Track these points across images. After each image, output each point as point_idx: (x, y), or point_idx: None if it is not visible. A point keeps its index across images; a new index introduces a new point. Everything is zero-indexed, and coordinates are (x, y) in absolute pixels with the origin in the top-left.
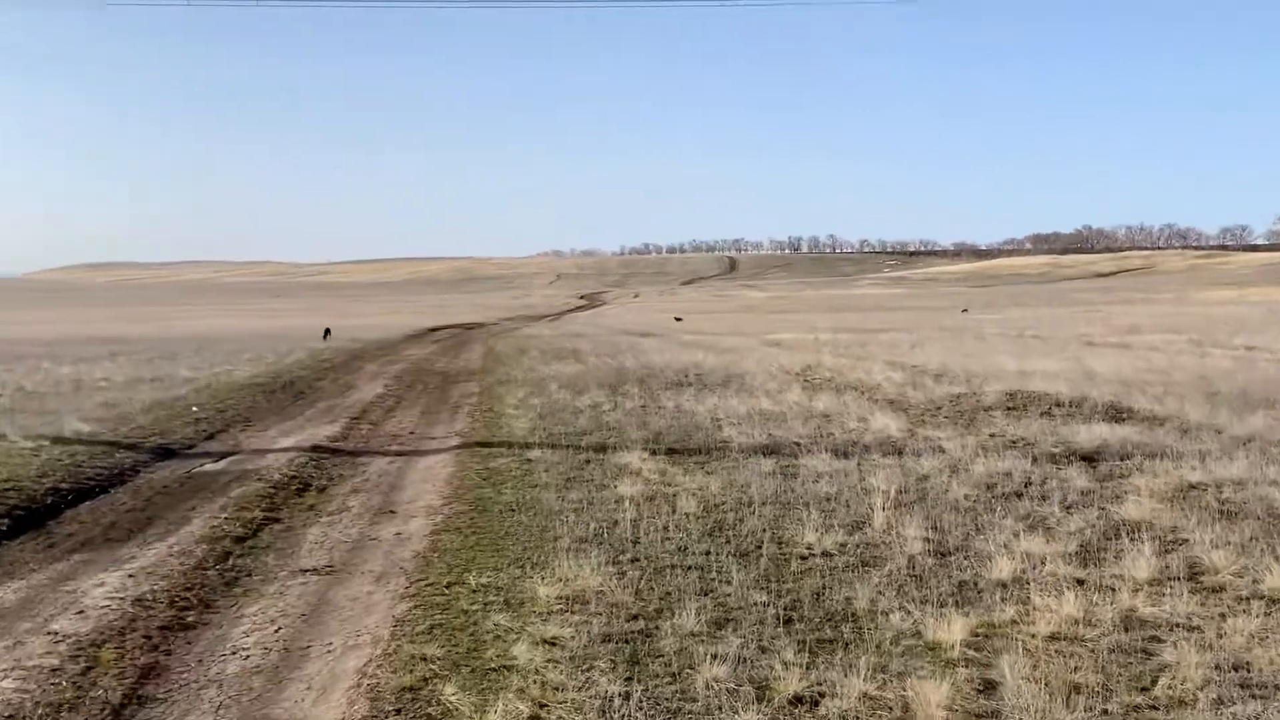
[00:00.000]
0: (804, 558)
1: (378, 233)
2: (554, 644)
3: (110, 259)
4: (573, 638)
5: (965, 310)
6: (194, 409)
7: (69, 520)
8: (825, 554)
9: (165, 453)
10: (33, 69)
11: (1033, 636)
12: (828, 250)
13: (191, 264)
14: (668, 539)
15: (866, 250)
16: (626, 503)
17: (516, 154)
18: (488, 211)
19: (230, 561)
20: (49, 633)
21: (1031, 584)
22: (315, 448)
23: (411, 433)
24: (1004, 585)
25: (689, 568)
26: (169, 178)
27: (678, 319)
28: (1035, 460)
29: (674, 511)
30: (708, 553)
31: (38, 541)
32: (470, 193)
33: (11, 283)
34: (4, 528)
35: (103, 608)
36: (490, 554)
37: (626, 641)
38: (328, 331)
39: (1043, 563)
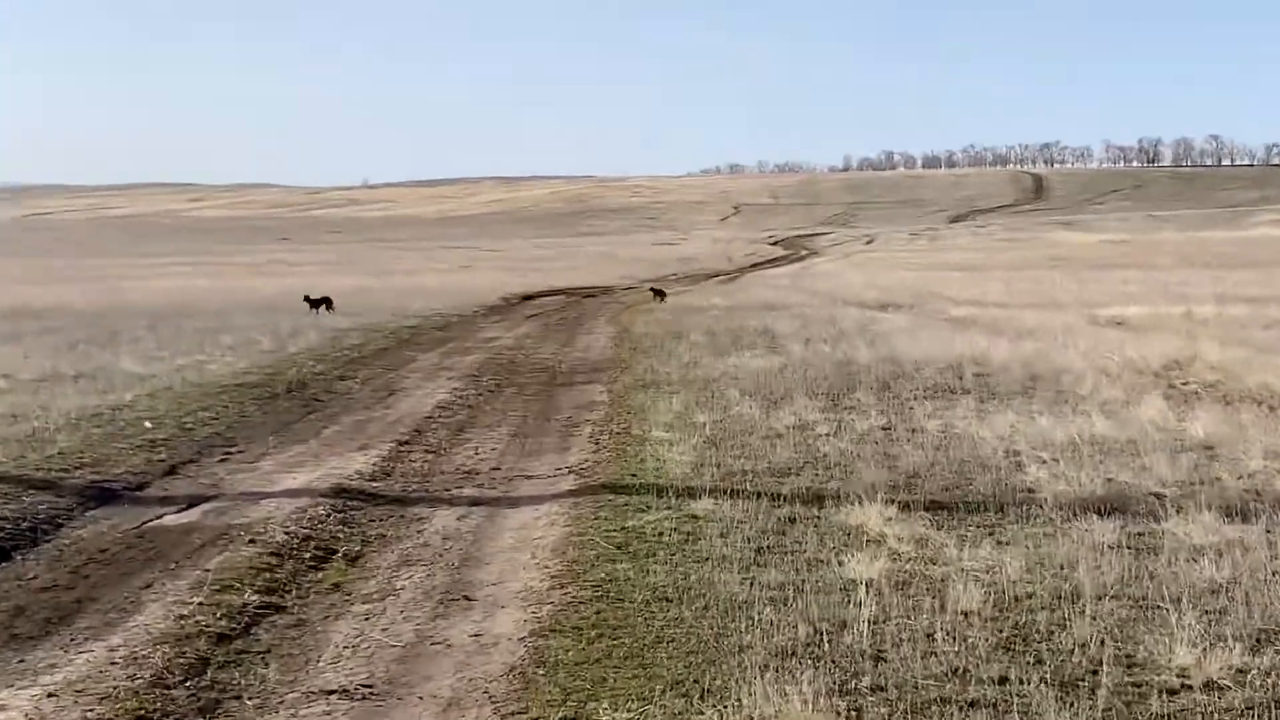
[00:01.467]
0: (1173, 692)
1: (437, 139)
2: None
3: (23, 180)
4: None
5: None
6: (147, 424)
7: None
8: (1210, 687)
9: (101, 495)
10: None
11: None
12: (1206, 163)
13: (149, 189)
14: (933, 655)
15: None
16: (861, 591)
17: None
18: (616, 103)
19: (207, 676)
20: None
21: None
22: (340, 490)
23: (497, 468)
24: None
25: (971, 705)
26: (111, 58)
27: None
28: None
29: (943, 608)
30: (1002, 680)
31: None
32: (585, 74)
33: None
34: None
35: None
36: (632, 673)
37: None
38: (321, 302)
39: None
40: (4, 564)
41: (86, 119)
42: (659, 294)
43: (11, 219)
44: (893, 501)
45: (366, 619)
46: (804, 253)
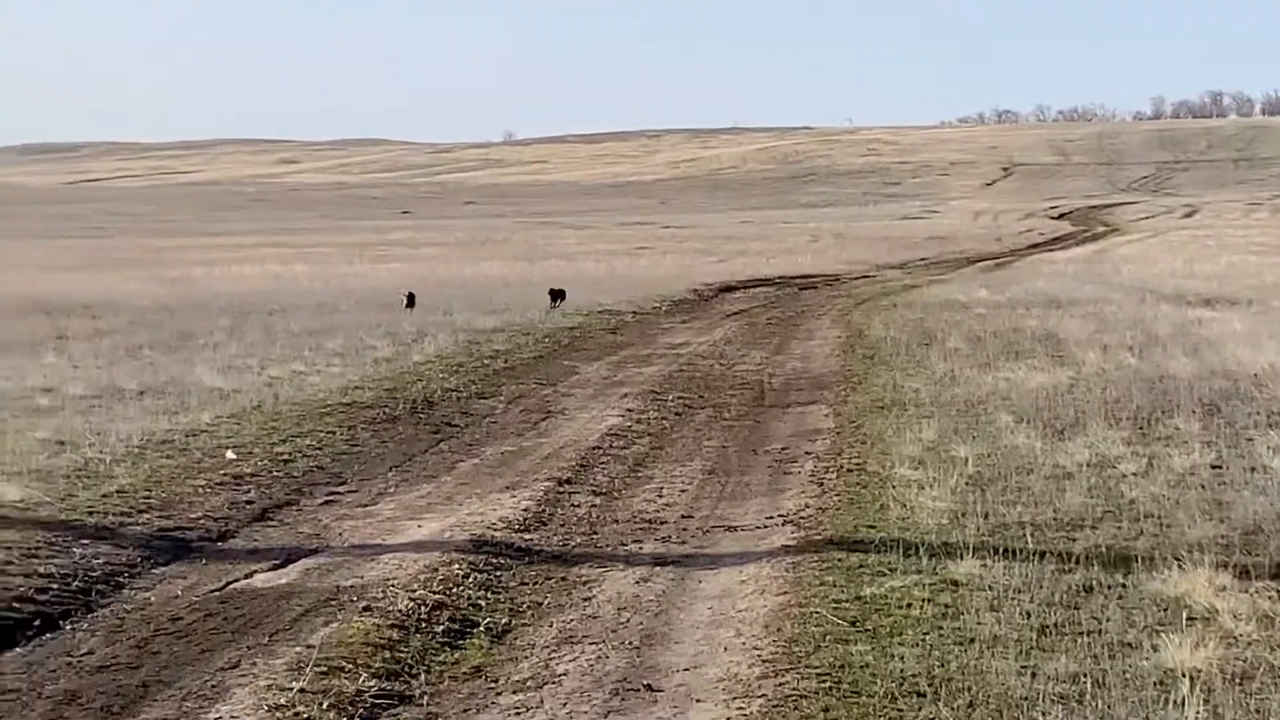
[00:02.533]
0: None
1: (601, 81)
2: None
3: (73, 138)
4: None
5: None
6: (229, 454)
7: None
8: None
9: (173, 547)
10: None
11: None
12: None
13: (228, 147)
14: None
15: None
16: (1183, 686)
17: None
18: (841, 30)
19: None
20: None
21: None
22: (481, 543)
23: (688, 516)
24: None
25: None
26: None
27: None
28: None
29: None
30: None
31: None
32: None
33: None
34: None
35: None
36: None
37: None
38: (410, 299)
39: None
40: (51, 635)
41: (147, 63)
42: (557, 295)
43: (55, 187)
44: (1226, 565)
45: (517, 715)
46: (1100, 229)
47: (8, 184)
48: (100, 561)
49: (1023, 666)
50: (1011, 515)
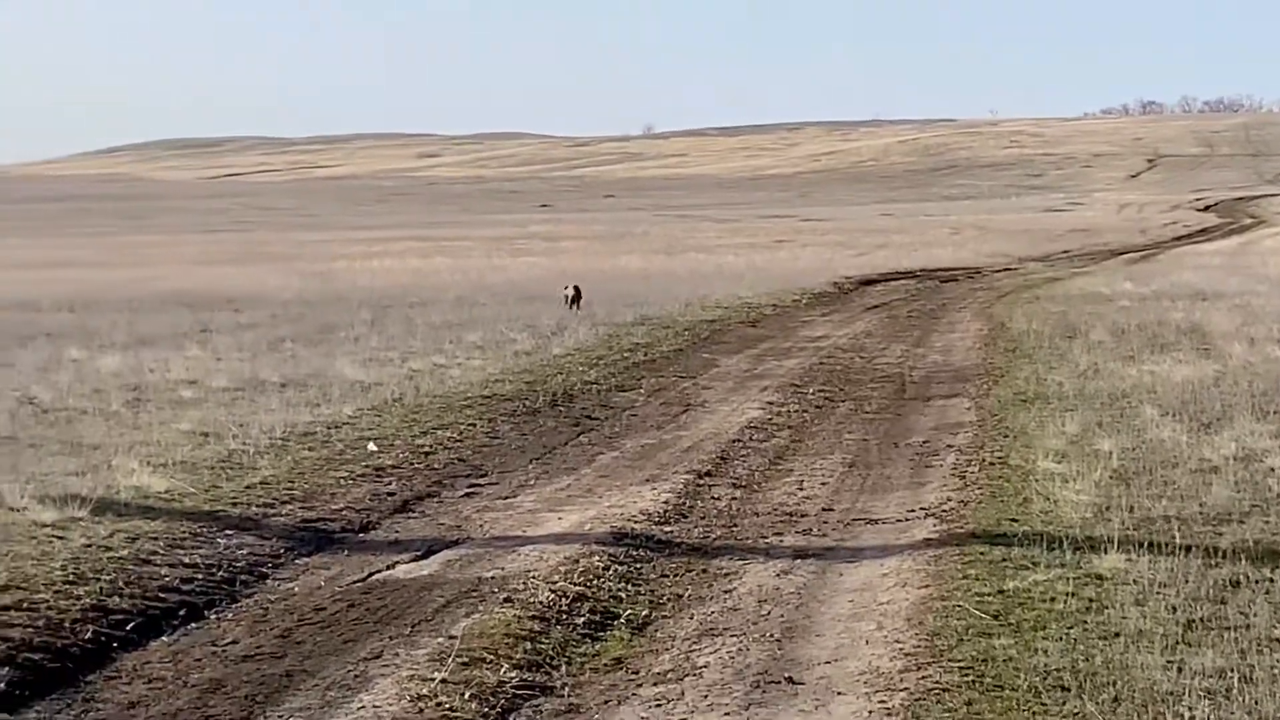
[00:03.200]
0: None
1: (740, 73)
2: None
3: (211, 132)
4: None
5: None
6: (371, 446)
7: (124, 678)
8: None
9: (316, 538)
10: None
11: None
12: None
13: (368, 141)
14: None
15: None
16: None
17: None
18: (980, 22)
19: None
20: None
21: None
22: (621, 535)
23: (828, 509)
24: None
25: None
26: None
27: None
28: None
29: None
30: None
31: None
32: None
33: None
34: None
35: None
36: None
37: None
38: (575, 296)
39: None
40: (196, 624)
41: (288, 59)
42: (575, 297)
43: (198, 182)
44: None
45: (658, 706)
46: (1246, 221)
47: (153, 178)
48: (244, 552)
49: (1168, 661)
50: (1156, 509)
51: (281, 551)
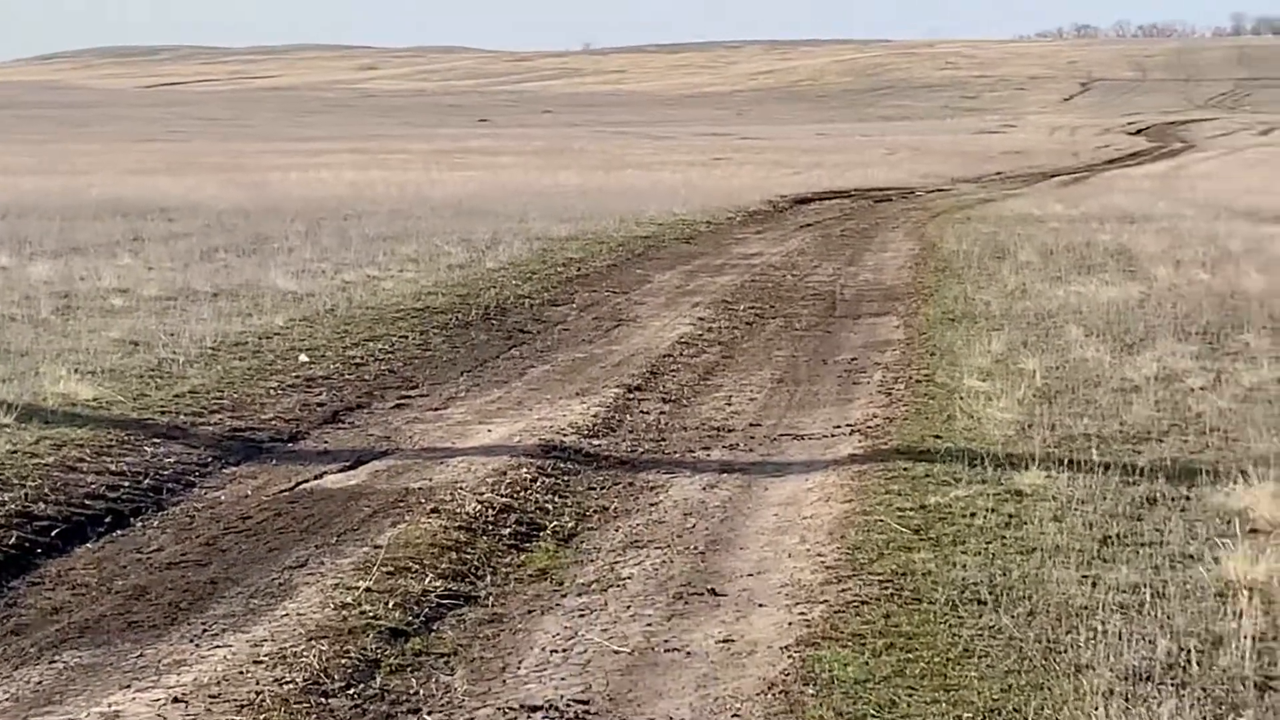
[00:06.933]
0: None
1: None
2: None
3: (150, 41)
4: None
5: None
6: (302, 357)
7: (47, 584)
8: None
9: (244, 447)
10: None
11: None
12: None
13: (308, 52)
14: None
15: None
16: (1243, 597)
17: None
18: None
19: (375, 682)
20: None
21: None
22: (549, 448)
23: (755, 424)
24: None
25: None
26: None
27: None
28: None
29: None
30: None
31: None
32: None
33: None
34: None
35: None
36: (930, 696)
37: None
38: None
39: None
40: (121, 532)
41: None
42: None
43: (135, 90)
44: None
45: (582, 616)
46: (1176, 145)
47: (90, 86)
48: (171, 460)
49: (1083, 576)
50: (1078, 427)
51: (209, 460)
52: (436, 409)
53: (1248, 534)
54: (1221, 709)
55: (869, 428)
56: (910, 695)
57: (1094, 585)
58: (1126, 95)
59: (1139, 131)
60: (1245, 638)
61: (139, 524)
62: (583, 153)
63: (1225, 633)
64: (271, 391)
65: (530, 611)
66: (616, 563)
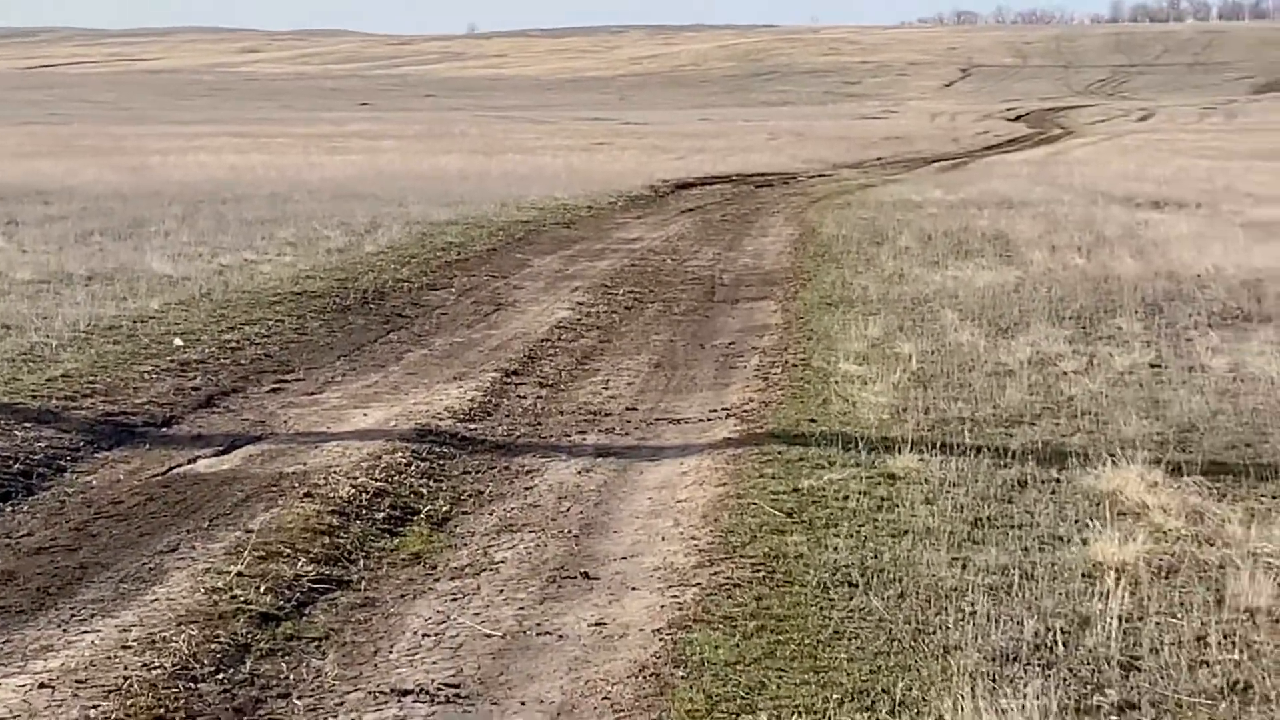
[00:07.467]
0: None
1: None
2: None
3: (27, 22)
4: None
5: None
6: (177, 341)
7: None
8: None
9: (116, 431)
10: None
11: None
12: None
13: (188, 35)
14: (1203, 664)
15: None
16: (1110, 578)
17: None
18: None
19: (246, 667)
20: None
21: None
22: (425, 432)
23: (632, 408)
24: None
25: None
26: None
27: None
28: None
29: (1220, 604)
30: None
31: None
32: None
33: None
34: None
35: None
36: (800, 678)
37: None
38: None
39: None
40: None
41: None
42: None
43: (11, 73)
44: (1159, 462)
45: (454, 600)
46: (1055, 131)
47: None
48: (42, 445)
49: (954, 558)
50: (952, 411)
51: (81, 445)
52: (312, 393)
53: (1116, 516)
54: (1087, 689)
55: (745, 412)
56: (780, 677)
57: (964, 567)
58: (1006, 82)
59: (1018, 118)
60: (1112, 618)
61: (8, 508)
62: (464, 137)
63: (1092, 614)
64: (145, 376)
65: (403, 596)
66: (490, 547)
